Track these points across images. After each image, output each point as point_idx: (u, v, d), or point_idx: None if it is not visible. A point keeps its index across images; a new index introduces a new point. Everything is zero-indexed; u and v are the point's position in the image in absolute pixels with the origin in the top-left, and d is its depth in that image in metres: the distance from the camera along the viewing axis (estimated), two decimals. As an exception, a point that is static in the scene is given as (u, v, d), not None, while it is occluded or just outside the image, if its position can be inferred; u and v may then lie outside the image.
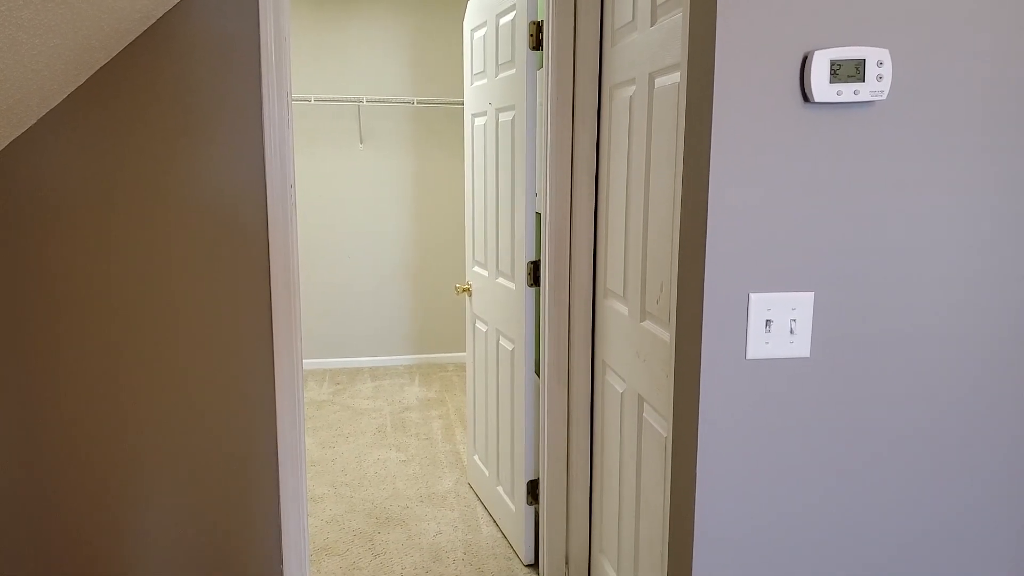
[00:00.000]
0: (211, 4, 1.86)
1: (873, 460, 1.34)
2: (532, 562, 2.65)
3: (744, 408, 1.29)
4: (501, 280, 2.72)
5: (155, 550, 2.04)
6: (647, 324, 1.80)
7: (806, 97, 1.21)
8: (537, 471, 2.60)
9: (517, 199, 2.52)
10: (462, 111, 5.04)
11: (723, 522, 1.32)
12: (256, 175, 1.95)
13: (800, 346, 1.28)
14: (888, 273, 1.28)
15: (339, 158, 4.93)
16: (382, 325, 5.14)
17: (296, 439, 2.07)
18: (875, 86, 1.20)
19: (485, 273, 2.90)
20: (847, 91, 1.20)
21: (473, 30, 2.91)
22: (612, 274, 2.07)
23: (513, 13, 2.46)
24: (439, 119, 5.00)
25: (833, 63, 1.19)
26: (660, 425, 1.73)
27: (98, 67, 1.83)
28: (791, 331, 1.27)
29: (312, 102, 4.80)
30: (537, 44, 2.37)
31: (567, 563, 2.43)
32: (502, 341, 2.75)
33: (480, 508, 3.08)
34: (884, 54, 1.20)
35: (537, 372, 2.59)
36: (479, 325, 3.01)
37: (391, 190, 5.02)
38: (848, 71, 1.19)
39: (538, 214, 2.50)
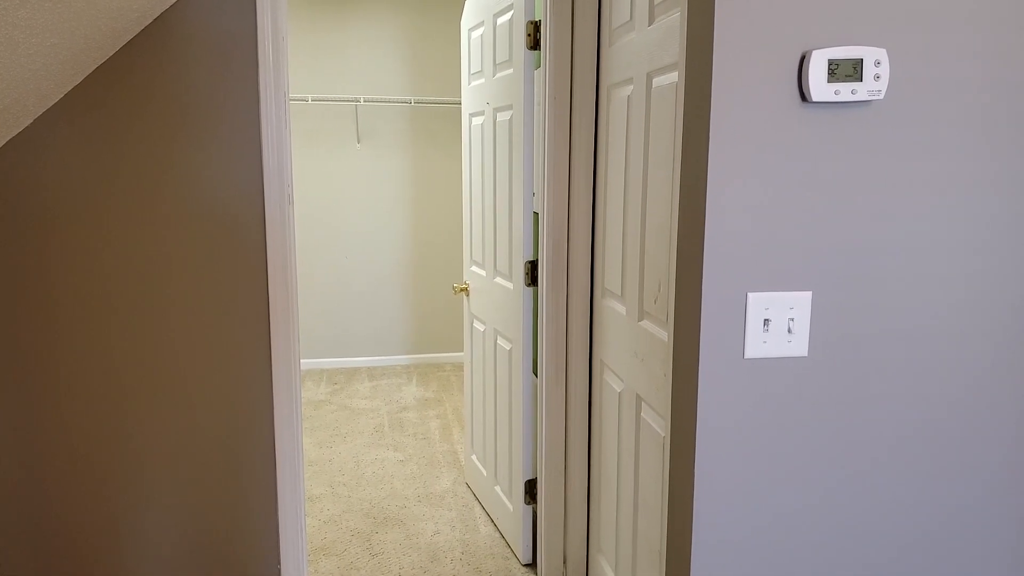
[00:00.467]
0: (208, 3, 1.86)
1: (871, 459, 1.34)
2: (530, 562, 2.65)
3: (742, 408, 1.29)
4: (499, 280, 2.72)
5: (153, 550, 2.04)
6: (645, 324, 1.80)
7: (804, 96, 1.22)
8: (535, 471, 2.60)
9: (515, 199, 2.52)
10: (460, 111, 5.04)
11: (721, 522, 1.32)
12: (253, 175, 1.95)
13: (798, 345, 1.28)
14: (886, 272, 1.29)
15: (337, 158, 4.93)
16: (380, 325, 5.14)
17: (294, 439, 2.07)
18: (872, 86, 1.21)
19: (483, 273, 2.90)
20: (845, 91, 1.20)
21: (471, 30, 2.91)
22: (610, 274, 2.07)
23: (511, 13, 2.46)
24: (437, 119, 5.00)
25: (831, 63, 1.19)
26: (658, 425, 1.73)
27: (95, 66, 1.83)
28: (789, 330, 1.27)
29: (309, 102, 4.79)
30: (535, 44, 2.37)
31: (565, 563, 2.43)
32: (500, 341, 2.75)
33: (478, 508, 3.08)
34: (881, 54, 1.20)
35: (535, 372, 2.59)
36: (477, 325, 3.01)
37: (389, 190, 5.01)
38: (846, 71, 1.20)
39: (536, 214, 2.50)
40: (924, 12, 1.23)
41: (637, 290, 1.84)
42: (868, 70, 1.20)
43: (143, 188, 1.90)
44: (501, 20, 2.56)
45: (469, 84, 2.98)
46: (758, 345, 1.27)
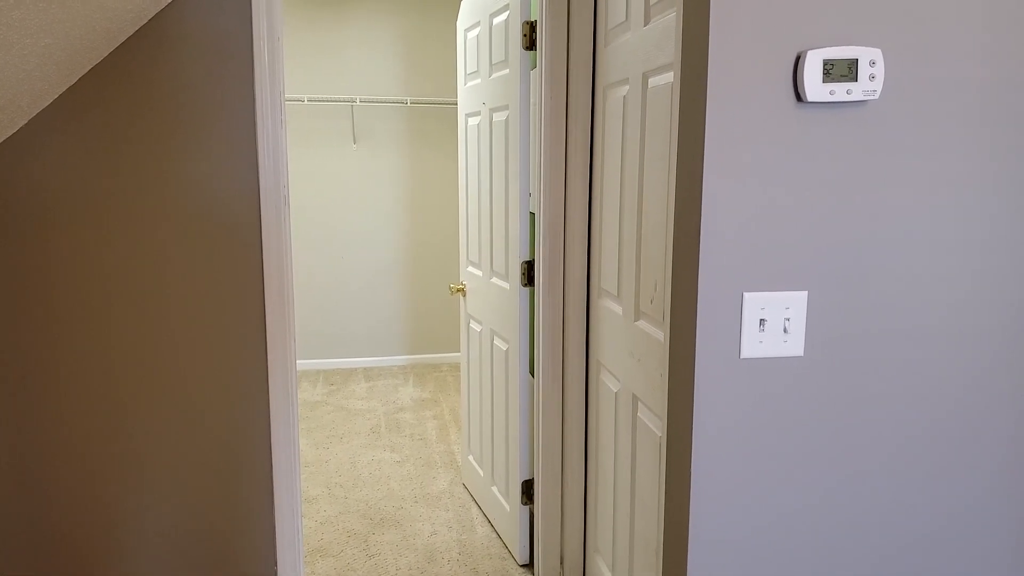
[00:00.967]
0: (204, 4, 1.86)
1: (868, 459, 1.34)
2: (527, 562, 2.65)
3: (739, 407, 1.29)
4: (495, 280, 2.72)
5: (149, 551, 2.03)
6: (641, 324, 1.80)
7: (799, 97, 1.22)
8: (532, 471, 2.60)
9: (511, 199, 2.51)
10: (456, 111, 5.04)
11: (718, 522, 1.32)
12: (249, 175, 1.94)
13: (794, 345, 1.28)
14: (882, 272, 1.29)
15: (333, 158, 4.92)
16: (376, 325, 5.13)
17: (290, 440, 2.07)
18: (868, 86, 1.21)
19: (479, 273, 2.90)
20: (840, 91, 1.20)
21: (467, 30, 2.91)
22: (606, 274, 2.07)
23: (506, 13, 2.46)
24: (433, 119, 5.00)
25: (826, 63, 1.19)
26: (655, 425, 1.73)
27: (90, 67, 1.82)
28: (785, 330, 1.27)
29: (305, 102, 4.79)
30: (531, 44, 2.37)
31: (562, 563, 2.43)
32: (496, 341, 2.75)
33: (475, 508, 3.08)
34: (877, 54, 1.21)
35: (531, 372, 2.59)
36: (473, 325, 3.01)
37: (385, 190, 5.01)
38: (841, 71, 1.20)
39: (532, 214, 2.50)
40: (919, 12, 1.23)
41: (633, 290, 1.84)
42: (863, 70, 1.20)
43: (139, 189, 1.89)
44: (497, 20, 2.56)
45: (465, 84, 2.98)
46: (754, 345, 1.27)
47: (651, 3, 1.68)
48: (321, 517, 3.01)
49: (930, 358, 1.33)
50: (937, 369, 1.33)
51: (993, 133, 1.28)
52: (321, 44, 4.79)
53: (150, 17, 1.83)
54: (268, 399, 2.03)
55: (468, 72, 2.93)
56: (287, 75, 4.79)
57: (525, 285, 2.49)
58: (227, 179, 1.93)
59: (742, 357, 1.27)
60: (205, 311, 1.97)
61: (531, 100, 2.41)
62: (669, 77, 1.59)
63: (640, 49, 1.76)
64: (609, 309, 2.05)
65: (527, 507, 2.61)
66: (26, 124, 1.82)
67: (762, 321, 1.26)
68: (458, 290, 3.07)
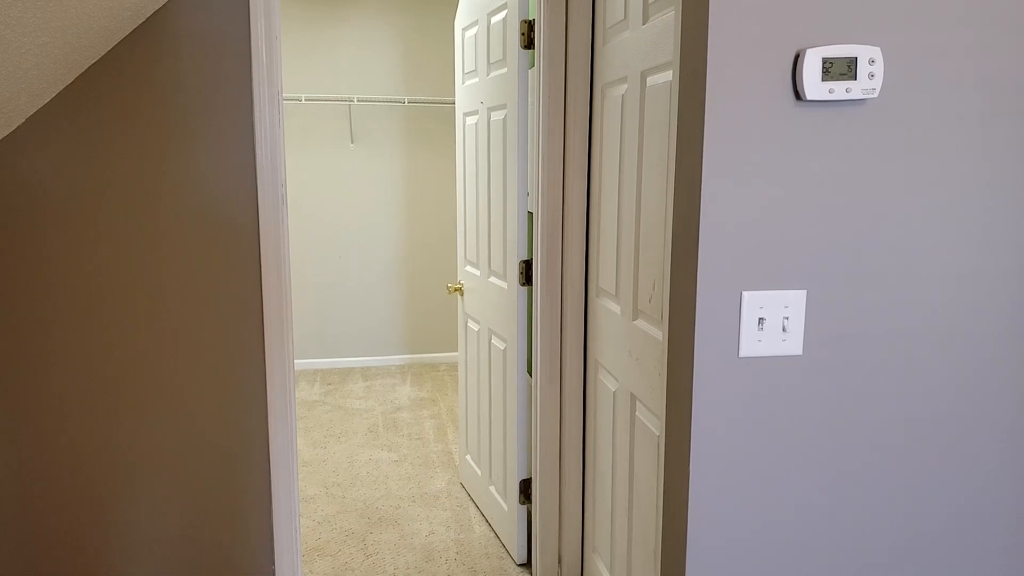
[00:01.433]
0: (201, 2, 1.85)
1: (866, 458, 1.34)
2: (525, 561, 2.65)
3: (737, 406, 1.29)
4: (493, 279, 2.72)
5: (146, 551, 2.03)
6: (640, 323, 1.80)
7: (798, 95, 1.22)
8: (530, 470, 2.60)
9: (509, 198, 2.51)
10: (454, 110, 5.03)
11: (716, 521, 1.32)
12: (247, 175, 1.94)
13: (793, 344, 1.28)
14: (881, 271, 1.29)
15: (330, 158, 4.92)
16: (374, 325, 5.13)
17: (288, 439, 2.06)
18: (867, 84, 1.21)
19: (477, 272, 2.89)
20: (839, 89, 1.20)
21: (464, 29, 2.91)
22: (604, 273, 2.07)
23: (504, 12, 2.46)
24: (430, 118, 5.00)
25: (825, 61, 1.19)
26: (653, 424, 1.73)
27: (88, 65, 1.82)
28: (784, 329, 1.27)
29: (303, 101, 4.78)
30: (529, 43, 2.37)
31: (560, 562, 2.43)
32: (494, 340, 2.74)
33: (472, 508, 3.08)
34: (876, 52, 1.21)
35: (529, 371, 2.59)
36: (471, 324, 3.01)
37: (383, 190, 5.01)
38: (840, 69, 1.20)
39: (530, 213, 2.50)
40: (918, 10, 1.23)
41: (631, 289, 1.84)
42: (862, 69, 1.20)
43: (136, 188, 1.89)
44: (495, 19, 2.55)
45: (463, 83, 2.98)
46: (753, 344, 1.27)
47: (649, 1, 1.68)
48: (319, 517, 3.00)
49: (928, 357, 1.33)
50: (935, 368, 1.33)
51: (992, 132, 1.28)
52: (319, 43, 4.79)
53: (148, 15, 1.82)
54: (266, 398, 2.03)
55: (466, 71, 2.93)
56: (285, 74, 4.79)
57: (523, 284, 2.49)
58: (225, 178, 1.93)
59: (741, 356, 1.27)
60: (202, 310, 1.96)
61: (529, 99, 2.40)
62: (668, 76, 1.59)
63: (639, 48, 1.76)
64: (607, 308, 2.05)
65: (525, 507, 2.61)
66: (24, 123, 1.82)
67: (761, 320, 1.26)
68: (456, 289, 3.07)
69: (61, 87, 1.81)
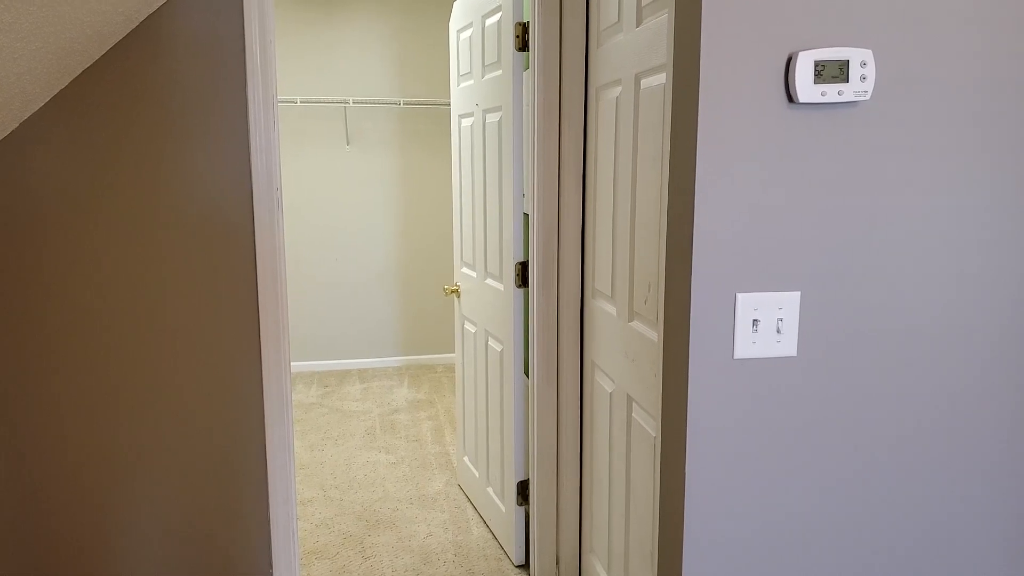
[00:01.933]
0: (195, 6, 1.85)
1: (863, 459, 1.34)
2: (523, 563, 2.65)
3: (732, 408, 1.29)
4: (490, 281, 2.72)
5: (144, 554, 2.03)
6: (635, 324, 1.80)
7: (791, 98, 1.22)
8: (527, 472, 2.60)
9: (505, 200, 2.52)
10: (449, 112, 5.04)
11: (713, 522, 1.32)
12: (242, 178, 1.94)
13: (787, 345, 1.28)
14: (874, 272, 1.29)
15: (326, 160, 4.91)
16: (370, 327, 5.13)
17: (285, 442, 2.06)
18: (859, 86, 1.21)
19: (473, 274, 2.90)
20: (831, 91, 1.21)
21: (459, 31, 2.91)
22: (600, 275, 2.07)
23: (499, 14, 2.46)
24: (426, 120, 5.00)
25: (817, 64, 1.20)
26: (649, 425, 1.73)
27: (82, 69, 1.82)
28: (778, 331, 1.28)
29: (298, 104, 4.78)
30: (523, 45, 2.37)
31: (557, 563, 2.43)
32: (491, 342, 2.75)
33: (470, 509, 3.08)
34: (867, 54, 1.21)
35: (526, 373, 2.59)
36: (468, 326, 3.01)
37: (378, 191, 5.00)
38: (832, 72, 1.20)
39: (526, 215, 2.50)
40: (909, 13, 1.23)
41: (627, 291, 1.84)
42: (854, 71, 1.21)
43: (131, 192, 1.89)
44: (490, 21, 2.56)
45: (458, 86, 2.98)
46: (747, 345, 1.27)
47: (643, 4, 1.69)
48: (316, 519, 3.00)
49: (923, 358, 1.33)
50: (930, 369, 1.34)
51: (984, 133, 1.29)
52: (313, 45, 4.79)
53: (141, 20, 1.82)
54: (262, 401, 2.03)
55: (461, 73, 2.93)
56: (280, 77, 4.79)
57: (519, 286, 2.49)
58: (220, 181, 1.93)
59: (735, 357, 1.28)
60: (199, 313, 1.96)
61: (524, 101, 2.41)
62: (662, 78, 1.59)
63: (632, 50, 1.76)
64: (603, 310, 2.05)
65: (523, 508, 2.61)
66: (18, 127, 1.82)
67: (755, 321, 1.27)
68: (452, 291, 3.07)
69: (55, 92, 1.81)
